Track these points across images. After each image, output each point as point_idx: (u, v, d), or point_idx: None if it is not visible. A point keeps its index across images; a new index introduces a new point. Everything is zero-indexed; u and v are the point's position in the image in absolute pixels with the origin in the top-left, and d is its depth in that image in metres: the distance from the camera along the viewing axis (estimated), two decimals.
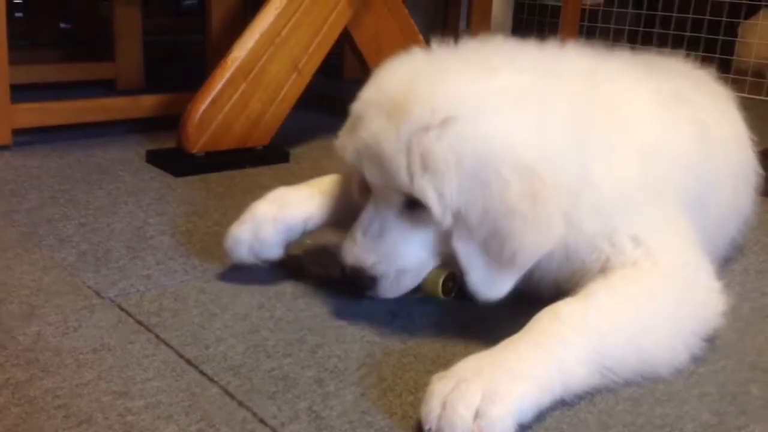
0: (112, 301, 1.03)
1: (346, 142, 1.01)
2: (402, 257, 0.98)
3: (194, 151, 1.66)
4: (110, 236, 1.26)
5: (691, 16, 3.26)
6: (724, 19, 3.19)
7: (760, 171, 1.32)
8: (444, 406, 0.75)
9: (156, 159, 1.70)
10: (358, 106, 1.01)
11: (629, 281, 0.93)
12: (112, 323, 0.97)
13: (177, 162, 1.66)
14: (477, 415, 0.74)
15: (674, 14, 3.31)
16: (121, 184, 1.54)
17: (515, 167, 0.89)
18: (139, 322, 0.98)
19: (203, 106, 1.66)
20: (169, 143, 1.75)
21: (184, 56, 2.98)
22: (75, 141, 1.83)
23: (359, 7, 1.89)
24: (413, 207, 0.96)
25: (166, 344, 0.92)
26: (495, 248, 0.91)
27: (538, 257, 0.93)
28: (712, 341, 0.97)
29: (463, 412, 0.73)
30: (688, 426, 0.83)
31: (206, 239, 1.27)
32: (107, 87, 2.37)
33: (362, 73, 2.03)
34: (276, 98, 1.77)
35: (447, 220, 0.92)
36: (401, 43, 2.07)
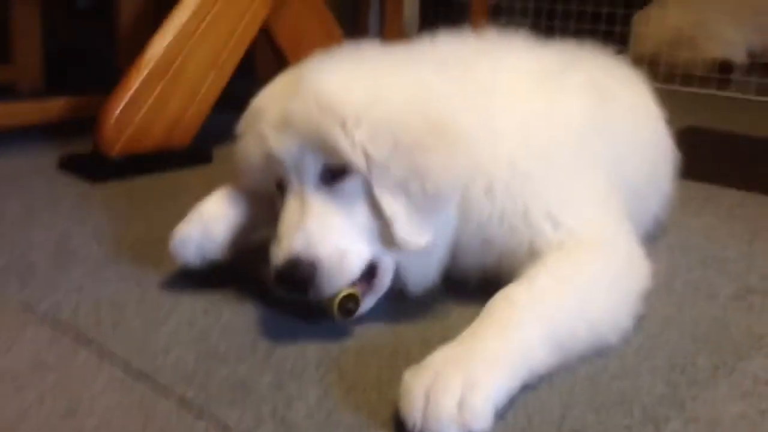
0: (45, 315, 0.97)
1: (250, 136, 1.01)
2: (336, 233, 0.92)
3: (112, 154, 1.58)
4: (31, 248, 1.18)
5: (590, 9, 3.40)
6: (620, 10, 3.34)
7: (677, 150, 1.37)
8: (427, 399, 0.74)
9: (71, 165, 1.61)
10: (255, 102, 1.04)
11: (563, 261, 0.95)
12: (48, 339, 0.91)
13: (94, 167, 1.57)
14: (460, 405, 0.73)
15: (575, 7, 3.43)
16: (36, 194, 1.45)
17: (408, 109, 0.95)
18: (77, 336, 0.92)
19: (120, 107, 1.58)
20: (82, 148, 1.66)
21: (79, 59, 2.85)
22: None
23: (277, 3, 1.86)
24: (333, 179, 0.95)
25: (111, 358, 0.87)
26: (416, 186, 0.93)
27: (454, 191, 0.96)
28: (652, 316, 1.01)
29: (447, 403, 0.73)
30: (645, 399, 0.85)
31: (136, 247, 1.21)
32: (4, 91, 2.23)
33: (280, 70, 2.00)
34: (196, 97, 1.71)
35: (362, 165, 0.93)
36: (321, 39, 2.05)
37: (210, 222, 1.05)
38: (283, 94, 0.99)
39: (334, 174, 0.95)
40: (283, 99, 0.98)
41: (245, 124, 1.04)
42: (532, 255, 0.97)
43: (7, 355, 0.87)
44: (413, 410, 0.74)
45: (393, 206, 0.93)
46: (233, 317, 0.99)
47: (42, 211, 1.36)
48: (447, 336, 0.84)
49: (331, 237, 0.92)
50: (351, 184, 0.94)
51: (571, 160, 1.04)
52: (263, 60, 2.75)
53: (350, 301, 0.93)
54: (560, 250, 0.97)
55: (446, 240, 1.00)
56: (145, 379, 0.83)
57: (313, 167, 0.95)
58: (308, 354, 0.91)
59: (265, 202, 1.07)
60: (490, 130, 0.99)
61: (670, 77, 3.13)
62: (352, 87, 0.95)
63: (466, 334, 0.84)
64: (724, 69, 3.22)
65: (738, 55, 3.37)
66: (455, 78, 1.02)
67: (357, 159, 0.92)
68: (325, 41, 1.92)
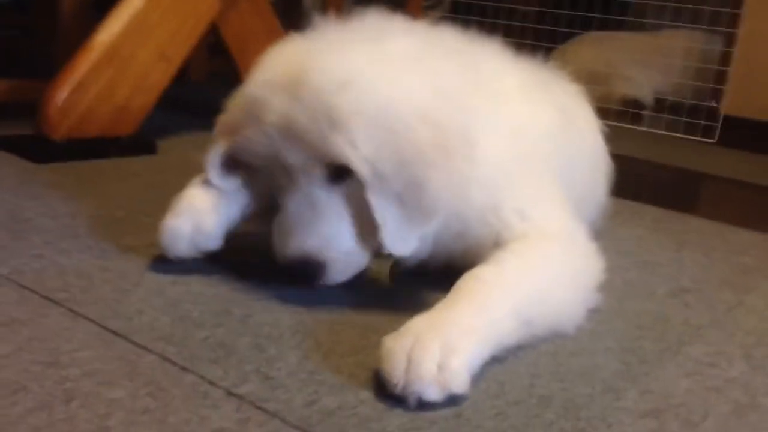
0: (7, 278, 0.94)
1: (253, 130, 0.97)
2: (344, 234, 0.97)
3: (56, 137, 1.54)
4: None
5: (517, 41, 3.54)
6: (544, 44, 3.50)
7: (611, 162, 1.47)
8: (409, 360, 0.76)
9: (11, 146, 1.55)
10: (253, 91, 0.98)
11: (529, 248, 1.00)
12: (14, 299, 0.89)
13: (37, 149, 1.53)
14: (440, 367, 0.76)
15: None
16: None
17: (419, 118, 0.94)
18: (46, 297, 0.90)
19: (66, 90, 1.55)
20: (18, 131, 1.61)
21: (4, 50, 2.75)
22: None
23: (226, 3, 1.87)
24: (339, 179, 0.96)
25: (84, 317, 0.86)
26: (412, 199, 0.94)
27: (448, 206, 0.97)
28: (598, 308, 1.06)
29: (428, 364, 0.76)
30: (603, 373, 0.90)
31: (94, 222, 1.19)
32: None
33: (230, 68, 2.01)
34: (143, 86, 1.69)
35: (365, 174, 0.93)
36: (266, 38, 2.06)
37: (202, 215, 1.02)
38: (283, 88, 0.95)
39: (339, 173, 0.96)
40: (284, 94, 0.94)
41: (244, 113, 0.99)
42: (498, 245, 1.01)
43: None
44: (396, 371, 0.76)
45: (385, 213, 0.95)
46: (203, 288, 0.99)
47: None
48: (415, 312, 0.86)
49: (340, 239, 0.97)
50: (355, 185, 0.95)
51: (540, 167, 1.11)
52: (197, 64, 2.75)
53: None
54: (525, 239, 1.01)
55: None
56: (123, 337, 0.82)
57: (319, 170, 0.96)
58: (283, 323, 0.92)
59: (253, 191, 1.07)
60: (483, 132, 1.01)
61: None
62: (360, 94, 0.93)
63: (440, 307, 0.87)
64: (635, 106, 3.43)
65: (645, 94, 3.60)
66: (466, 73, 1.04)
67: (361, 168, 0.93)
68: (269, 41, 1.96)
